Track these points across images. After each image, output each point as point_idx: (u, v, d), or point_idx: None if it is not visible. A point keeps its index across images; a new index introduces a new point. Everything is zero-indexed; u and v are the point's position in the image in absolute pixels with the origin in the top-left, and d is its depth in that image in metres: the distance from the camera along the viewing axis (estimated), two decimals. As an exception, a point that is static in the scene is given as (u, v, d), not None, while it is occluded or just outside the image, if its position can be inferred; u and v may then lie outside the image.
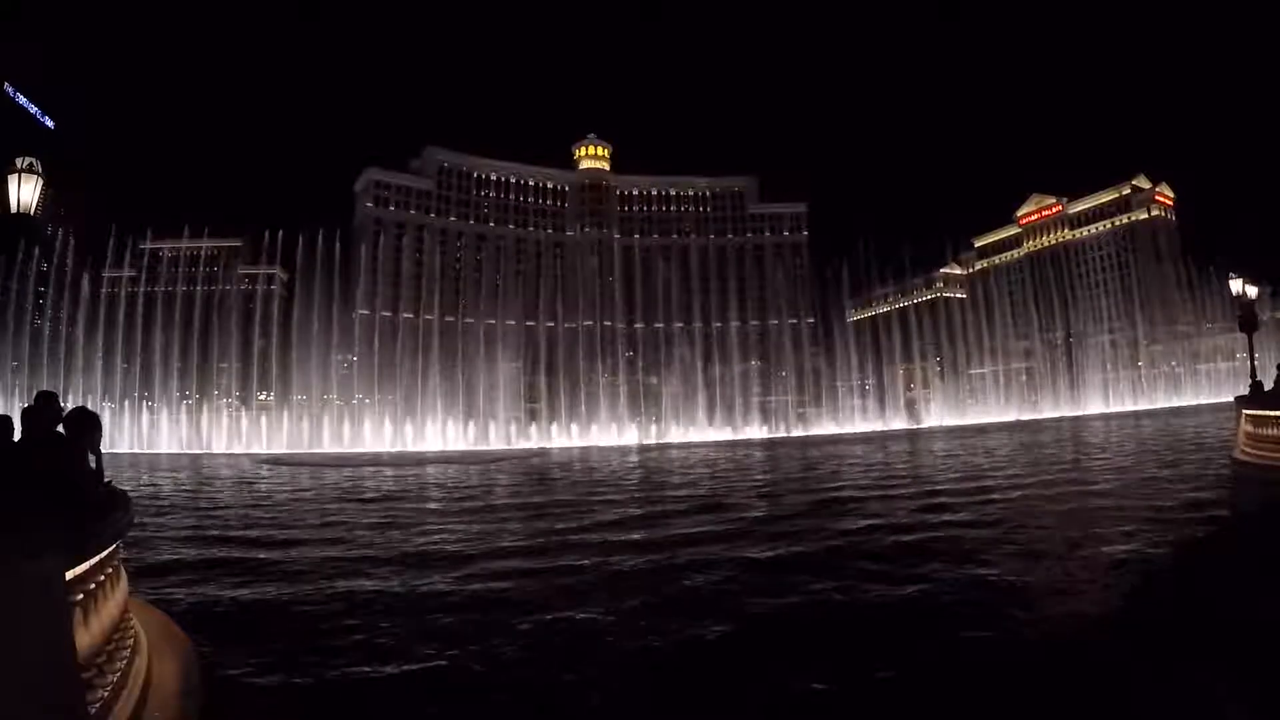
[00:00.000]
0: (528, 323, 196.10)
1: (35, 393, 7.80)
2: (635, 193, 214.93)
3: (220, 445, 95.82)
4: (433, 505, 32.23)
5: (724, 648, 10.92)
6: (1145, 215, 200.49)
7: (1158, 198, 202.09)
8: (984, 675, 9.50)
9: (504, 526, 24.63)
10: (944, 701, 8.81)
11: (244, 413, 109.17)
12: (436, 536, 22.29)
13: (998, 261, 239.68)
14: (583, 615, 12.62)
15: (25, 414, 7.35)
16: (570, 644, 11.15)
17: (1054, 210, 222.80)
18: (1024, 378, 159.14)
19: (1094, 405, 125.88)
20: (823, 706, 8.70)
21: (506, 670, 10.09)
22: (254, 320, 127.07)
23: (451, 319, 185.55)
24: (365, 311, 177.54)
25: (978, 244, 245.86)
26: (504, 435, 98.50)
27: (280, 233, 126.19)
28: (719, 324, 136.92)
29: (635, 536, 21.49)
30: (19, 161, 10.97)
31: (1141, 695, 8.53)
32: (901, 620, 12.02)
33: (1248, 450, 21.45)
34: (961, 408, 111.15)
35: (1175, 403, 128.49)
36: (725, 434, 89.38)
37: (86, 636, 5.64)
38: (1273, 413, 20.12)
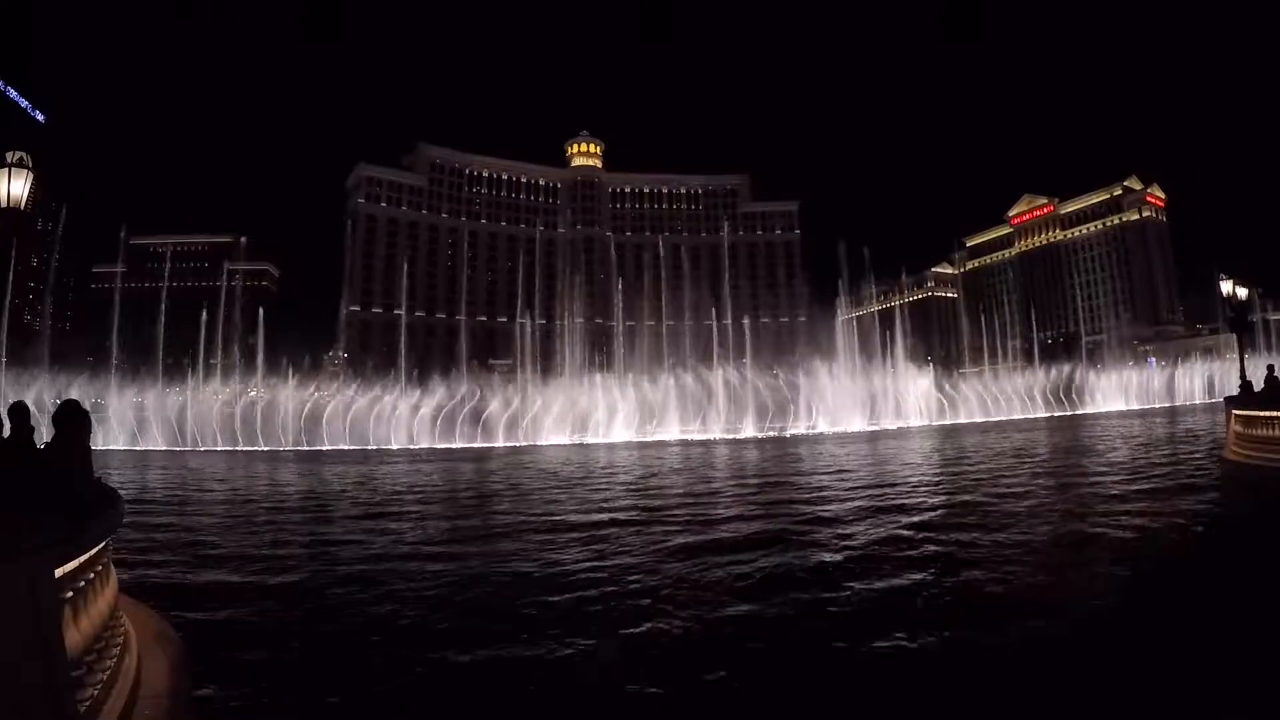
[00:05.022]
0: (519, 320, 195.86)
1: (11, 403, 7.70)
2: (627, 190, 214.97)
3: (209, 443, 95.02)
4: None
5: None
6: (1136, 216, 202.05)
7: (1149, 199, 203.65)
8: (971, 676, 9.53)
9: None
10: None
11: (234, 409, 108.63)
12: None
13: (989, 261, 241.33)
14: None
15: (11, 411, 7.28)
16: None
17: (1045, 210, 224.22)
18: (1015, 376, 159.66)
19: (1084, 405, 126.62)
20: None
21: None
22: (244, 316, 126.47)
23: (443, 316, 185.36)
24: (356, 308, 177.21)
25: (969, 243, 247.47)
26: (497, 433, 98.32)
27: (271, 229, 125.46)
28: (709, 322, 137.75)
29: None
30: (9, 155, 10.86)
31: (1134, 696, 8.56)
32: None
33: (1237, 450, 21.62)
34: (953, 407, 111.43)
35: (1165, 403, 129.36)
36: (723, 433, 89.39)
37: (76, 634, 5.57)
38: (1262, 413, 20.27)
